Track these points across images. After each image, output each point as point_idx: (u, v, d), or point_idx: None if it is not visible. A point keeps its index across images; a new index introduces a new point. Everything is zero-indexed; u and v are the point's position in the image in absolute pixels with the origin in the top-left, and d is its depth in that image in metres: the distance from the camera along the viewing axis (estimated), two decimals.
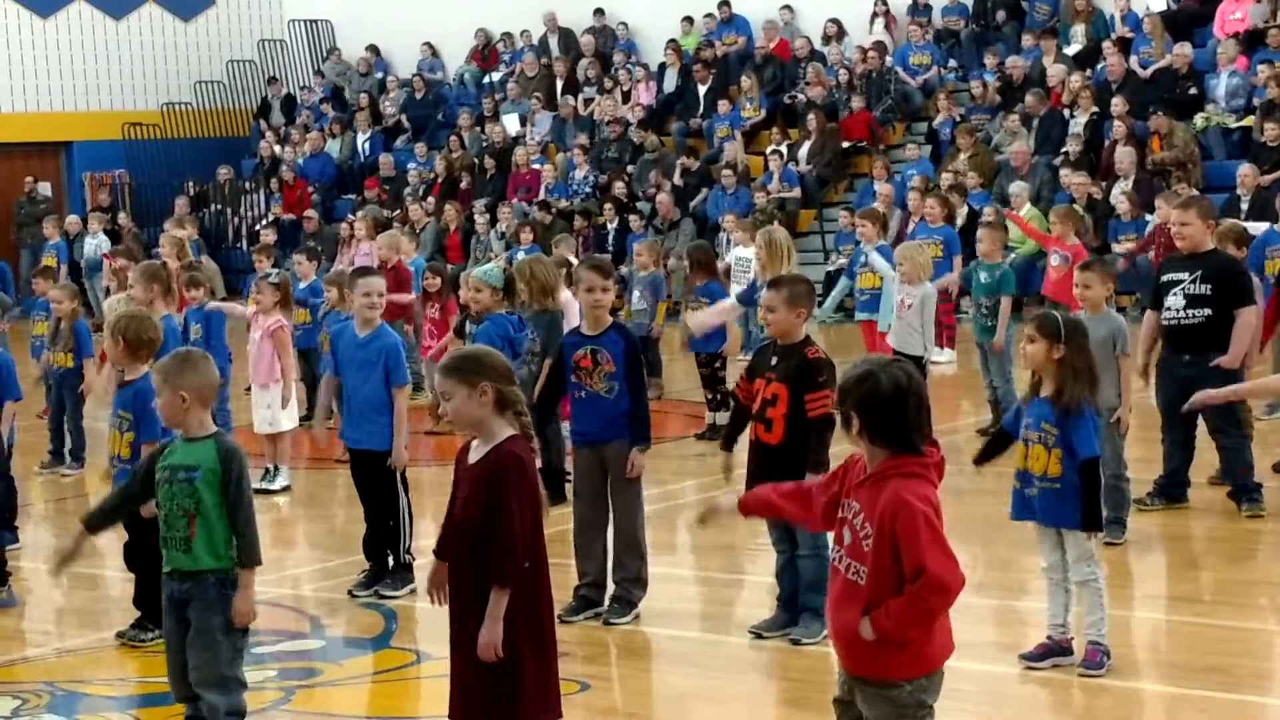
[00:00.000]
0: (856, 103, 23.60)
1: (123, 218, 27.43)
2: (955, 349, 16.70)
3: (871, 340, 13.57)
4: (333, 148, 28.15)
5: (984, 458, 7.50)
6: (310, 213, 25.49)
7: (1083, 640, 7.09)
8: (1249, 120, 20.76)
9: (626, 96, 26.32)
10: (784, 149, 23.50)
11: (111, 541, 8.36)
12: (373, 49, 29.97)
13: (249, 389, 12.28)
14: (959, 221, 18.53)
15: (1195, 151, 20.46)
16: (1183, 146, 20.26)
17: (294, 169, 27.44)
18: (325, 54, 30.84)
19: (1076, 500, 6.99)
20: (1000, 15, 24.54)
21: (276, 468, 11.85)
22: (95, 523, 6.35)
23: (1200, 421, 9.87)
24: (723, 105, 24.85)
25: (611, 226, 23.16)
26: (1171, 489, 9.92)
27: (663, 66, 26.57)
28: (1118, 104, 21.03)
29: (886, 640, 4.64)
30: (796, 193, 23.03)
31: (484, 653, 5.35)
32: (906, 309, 11.94)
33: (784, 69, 25.53)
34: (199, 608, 5.97)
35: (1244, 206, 18.56)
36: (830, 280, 20.73)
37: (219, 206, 28.17)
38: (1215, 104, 21.34)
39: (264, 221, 26.09)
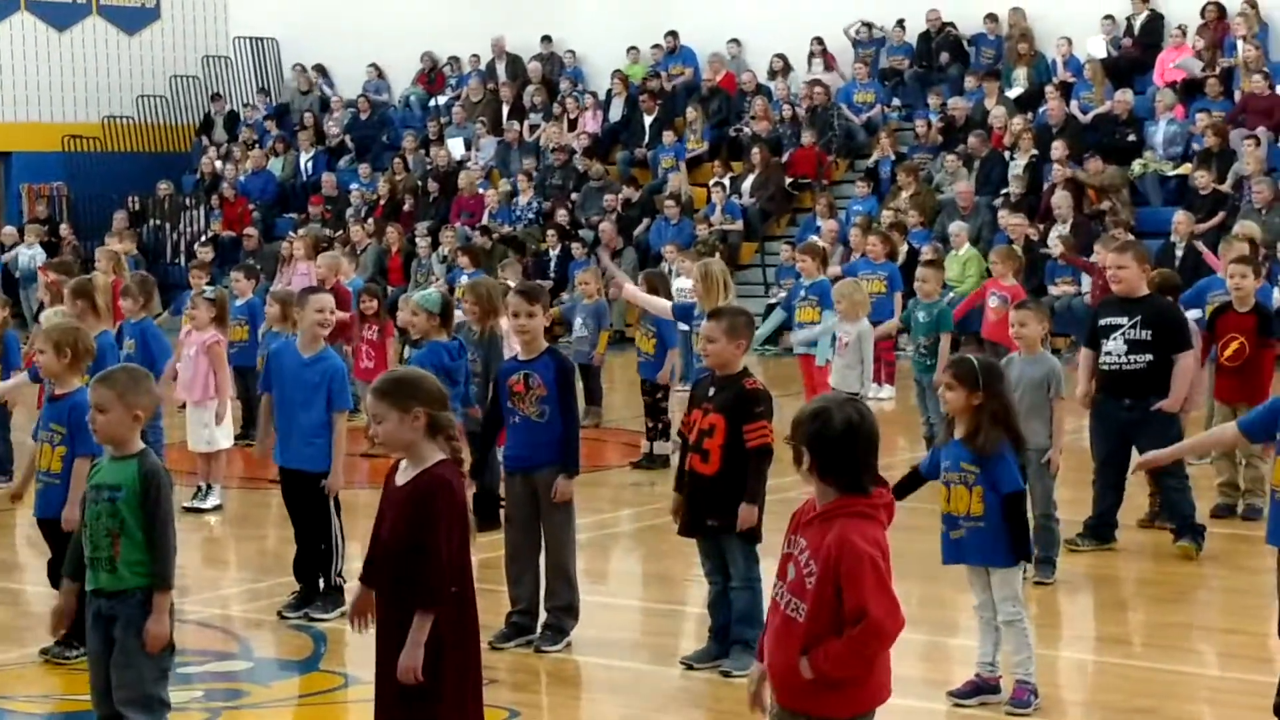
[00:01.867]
0: (805, 138, 23.71)
1: (63, 230, 27.21)
2: (895, 385, 16.77)
3: (810, 375, 13.61)
4: (275, 166, 28.04)
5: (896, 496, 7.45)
6: (250, 230, 25.37)
7: (1010, 679, 7.12)
8: (1185, 168, 21.01)
9: (572, 124, 26.35)
10: (727, 181, 23.59)
11: (34, 558, 8.26)
12: (318, 68, 29.87)
13: (182, 406, 12.19)
14: (900, 259, 18.65)
15: (1125, 192, 20.69)
16: (1110, 182, 20.50)
17: (235, 186, 27.31)
18: (271, 72, 30.74)
19: (1001, 537, 7.02)
20: (944, 56, 24.75)
21: (209, 486, 11.76)
22: (78, 570, 6.23)
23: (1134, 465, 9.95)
24: (668, 136, 24.92)
25: (554, 253, 23.16)
26: (1101, 529, 9.99)
27: (609, 95, 26.63)
28: (1057, 148, 21.24)
29: (824, 680, 4.64)
30: (739, 225, 23.10)
31: (404, 676, 5.32)
32: (844, 346, 11.99)
33: (729, 102, 25.64)
34: (124, 625, 5.91)
35: (1178, 253, 18.78)
36: (772, 313, 20.80)
37: (158, 222, 27.98)
38: (1153, 151, 21.59)
39: (203, 238, 25.94)
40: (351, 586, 8.82)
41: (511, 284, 13.78)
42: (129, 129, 29.50)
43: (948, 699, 7.20)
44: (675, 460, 12.58)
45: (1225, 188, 20.25)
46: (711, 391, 7.61)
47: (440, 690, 5.37)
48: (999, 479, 7.00)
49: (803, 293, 14.10)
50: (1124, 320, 9.72)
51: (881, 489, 4.74)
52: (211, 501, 11.69)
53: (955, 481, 7.09)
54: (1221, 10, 22.73)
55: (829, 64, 25.40)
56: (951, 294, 17.59)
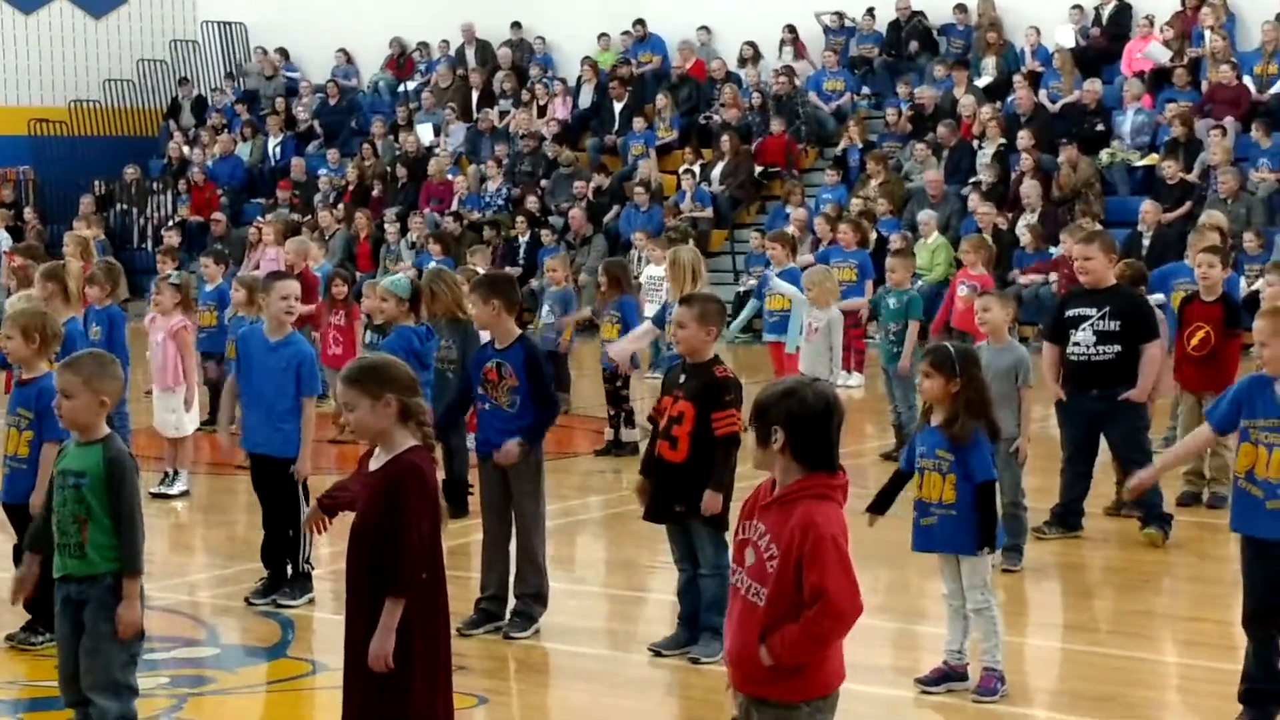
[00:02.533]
0: (774, 126, 23.72)
1: (28, 214, 27.05)
2: (863, 373, 16.81)
3: (779, 361, 13.65)
4: (243, 151, 27.93)
5: (881, 505, 7.32)
6: (218, 215, 25.28)
7: (978, 666, 7.15)
8: (1153, 158, 21.10)
9: (542, 111, 26.32)
10: (697, 169, 23.60)
11: (1, 543, 8.22)
12: (284, 53, 29.77)
13: (149, 392, 12.14)
14: (870, 247, 18.69)
15: (1097, 186, 20.77)
16: (1083, 178, 20.57)
17: (203, 171, 27.20)
18: (239, 57, 30.61)
19: (972, 525, 7.06)
20: (913, 45, 24.79)
21: (176, 472, 11.72)
22: (37, 541, 6.21)
23: (1102, 454, 10.01)
24: (638, 123, 24.90)
25: (523, 240, 23.14)
26: (1068, 518, 10.04)
27: (579, 82, 26.60)
28: (1024, 137, 21.30)
29: (782, 665, 4.65)
30: (709, 212, 23.11)
31: (374, 663, 5.32)
32: (814, 333, 12.01)
33: (699, 89, 25.64)
34: (94, 610, 5.90)
35: (1146, 242, 18.87)
36: (741, 300, 20.83)
37: (125, 206, 27.84)
38: (1120, 140, 21.67)
39: (170, 223, 25.83)
40: (320, 573, 8.84)
41: (480, 270, 13.78)
42: (96, 113, 29.33)
43: (915, 686, 7.22)
44: (645, 446, 12.70)
45: (1192, 177, 20.34)
46: (682, 379, 7.61)
47: (410, 676, 5.37)
48: (973, 467, 7.03)
49: (772, 280, 14.10)
50: (1093, 311, 9.76)
51: (840, 469, 4.75)
52: (179, 487, 11.65)
53: (930, 469, 7.11)
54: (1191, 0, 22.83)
55: (799, 52, 25.41)
56: (920, 282, 17.66)
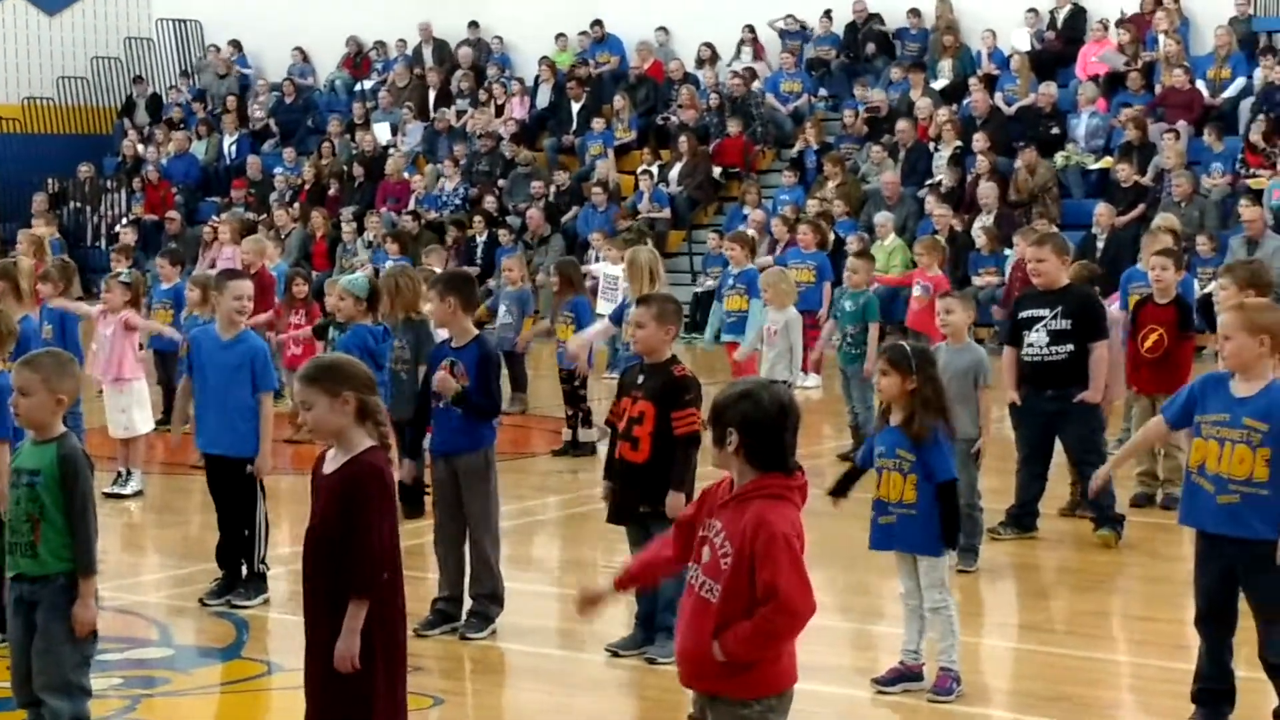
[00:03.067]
0: (732, 127, 23.75)
1: None
2: (820, 374, 16.84)
3: (735, 362, 13.65)
4: (198, 149, 27.79)
5: (840, 490, 7.50)
6: (172, 214, 25.15)
7: (934, 666, 7.17)
8: (1107, 161, 21.22)
9: (500, 110, 26.28)
10: (654, 169, 23.60)
11: None
12: (237, 48, 29.61)
13: (100, 392, 12.07)
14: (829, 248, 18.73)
15: (1054, 189, 20.89)
16: (1041, 183, 20.68)
17: (158, 169, 27.05)
18: (194, 54, 30.45)
19: (932, 525, 7.08)
20: (870, 48, 24.86)
21: (129, 471, 11.65)
22: None
23: (1058, 456, 10.06)
24: (597, 123, 24.89)
25: (481, 240, 23.11)
26: (1024, 519, 10.08)
27: (537, 81, 26.57)
28: (980, 140, 21.39)
29: (735, 661, 4.66)
30: (666, 213, 23.12)
31: (340, 665, 5.31)
32: (773, 335, 12.02)
33: (657, 90, 25.64)
34: (46, 609, 5.86)
35: (1100, 245, 18.97)
36: (699, 301, 20.85)
37: (79, 204, 27.67)
38: (1075, 143, 21.79)
39: (124, 221, 25.68)
40: (275, 573, 8.80)
41: (436, 270, 13.76)
42: (49, 110, 29.13)
43: (871, 686, 7.24)
44: (604, 449, 12.69)
45: (1146, 180, 20.47)
46: (640, 379, 7.61)
47: (372, 678, 5.36)
48: (934, 467, 7.05)
49: (730, 281, 14.13)
50: (1045, 312, 9.80)
51: (798, 471, 4.77)
52: (132, 487, 11.58)
53: (890, 468, 7.13)
54: (1146, 4, 22.97)
55: (758, 53, 25.46)
56: (876, 285, 17.71)
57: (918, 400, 7.09)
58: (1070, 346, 9.72)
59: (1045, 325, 9.77)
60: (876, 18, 24.88)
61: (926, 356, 7.26)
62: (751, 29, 25.44)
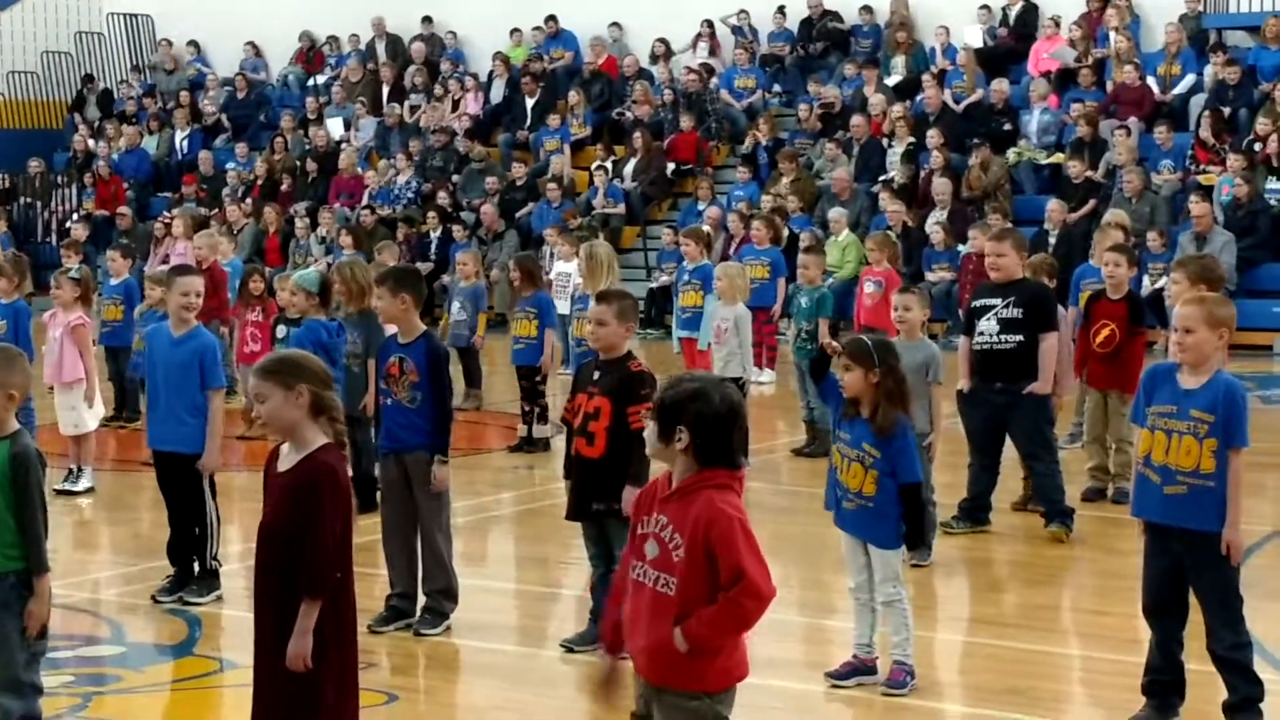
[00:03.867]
0: (685, 123, 23.76)
1: None
2: (775, 370, 16.88)
3: (691, 358, 13.66)
4: (149, 144, 27.62)
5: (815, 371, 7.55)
6: (124, 209, 24.99)
7: (888, 660, 7.20)
8: (1059, 157, 21.34)
9: (455, 105, 26.21)
10: (609, 165, 23.59)
11: None
12: (188, 42, 29.45)
13: (52, 388, 11.98)
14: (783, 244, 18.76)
15: (1006, 186, 20.99)
16: (995, 180, 20.78)
17: (109, 164, 26.87)
18: (146, 49, 30.25)
19: (887, 520, 7.10)
20: (823, 44, 24.89)
21: (80, 469, 11.57)
22: None
23: (1010, 449, 10.11)
24: (552, 119, 24.86)
25: (435, 235, 23.04)
26: (976, 512, 10.12)
27: (491, 77, 26.52)
28: (933, 136, 21.47)
29: (700, 649, 4.66)
30: (621, 209, 23.12)
31: (294, 664, 5.28)
32: (723, 332, 12.02)
33: (611, 86, 25.63)
34: None
35: (1052, 241, 19.07)
36: (654, 297, 20.86)
37: (29, 200, 27.47)
38: (1027, 139, 21.89)
39: (75, 216, 25.50)
40: (227, 570, 8.76)
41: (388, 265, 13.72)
42: None
43: (825, 680, 7.26)
44: (561, 446, 12.68)
45: (1098, 176, 20.59)
46: (596, 375, 7.61)
47: (321, 676, 5.33)
48: (899, 466, 7.05)
49: (686, 276, 14.14)
50: (997, 301, 9.86)
51: (743, 465, 4.82)
52: (83, 484, 11.51)
53: (853, 459, 7.13)
54: (1093, 2, 23.11)
55: (714, 48, 25.47)
56: (831, 279, 17.76)
57: (881, 393, 7.09)
58: (1020, 336, 9.76)
59: (996, 314, 9.82)
60: (833, 15, 24.91)
61: (888, 348, 7.26)
62: (710, 24, 25.46)
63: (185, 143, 27.51)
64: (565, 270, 16.23)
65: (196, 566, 8.70)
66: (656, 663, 4.75)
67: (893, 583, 7.15)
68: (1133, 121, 20.96)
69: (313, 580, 5.30)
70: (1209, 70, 21.65)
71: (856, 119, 22.60)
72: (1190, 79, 21.87)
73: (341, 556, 5.39)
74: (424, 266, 21.25)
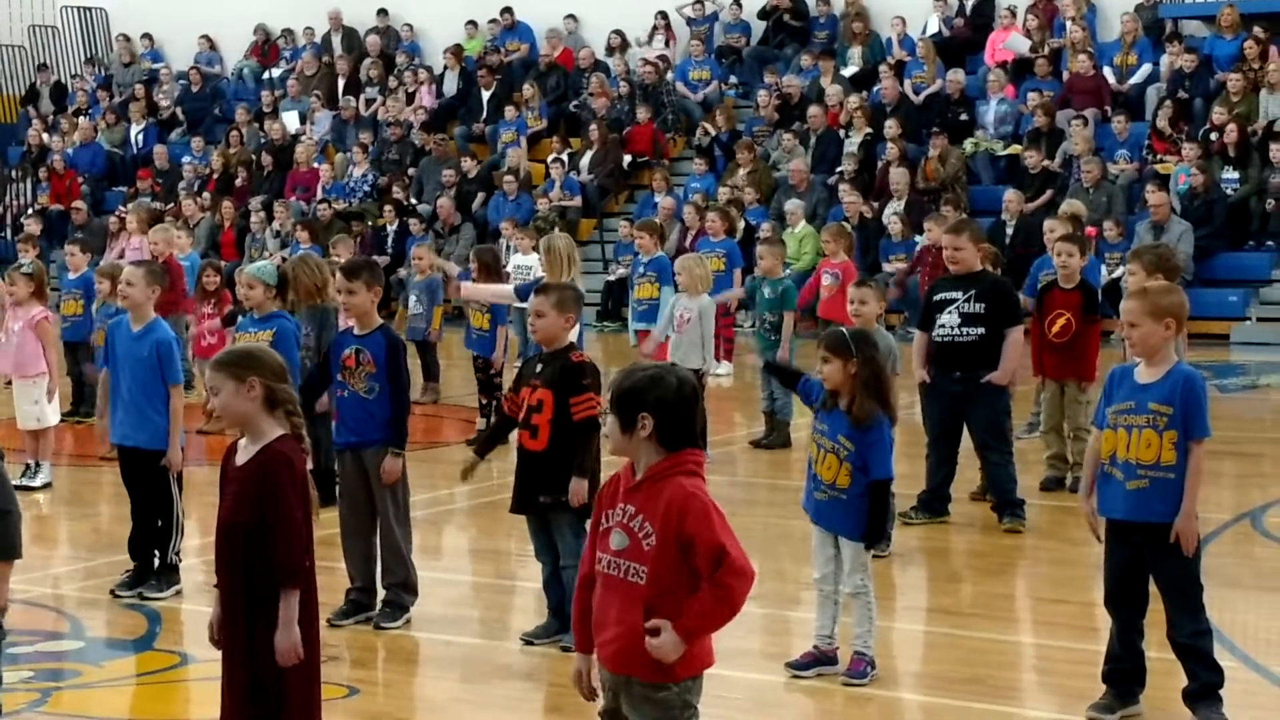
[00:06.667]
0: (641, 114, 23.76)
1: None
2: (732, 362, 16.90)
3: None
4: (104, 138, 27.45)
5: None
6: (79, 204, 24.85)
7: (849, 650, 7.22)
8: (1016, 147, 21.42)
9: (410, 98, 26.14)
10: (565, 157, 23.57)
11: None
12: (143, 36, 29.28)
13: (9, 383, 11.91)
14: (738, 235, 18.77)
15: (963, 177, 21.07)
16: (952, 171, 20.86)
17: (63, 158, 26.69)
18: (100, 42, 30.04)
19: (860, 513, 7.11)
20: (780, 35, 24.94)
21: (38, 464, 11.51)
22: None
23: (964, 438, 10.15)
24: (509, 111, 24.82)
25: (391, 229, 22.98)
26: (934, 503, 10.17)
27: (445, 69, 26.45)
28: (891, 126, 21.52)
29: (694, 638, 4.67)
30: (577, 201, 23.10)
31: (286, 659, 5.28)
32: (685, 322, 12.02)
33: (567, 78, 25.61)
34: None
35: (1009, 231, 19.16)
36: (610, 289, 20.85)
37: None
38: (984, 130, 21.98)
39: (30, 211, 25.32)
40: (187, 565, 8.72)
41: (343, 259, 13.66)
42: None
43: (786, 670, 7.28)
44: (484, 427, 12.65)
45: (1055, 166, 20.69)
46: (539, 368, 7.61)
47: (288, 670, 5.32)
48: (871, 461, 7.06)
49: (641, 269, 14.13)
50: (958, 295, 9.90)
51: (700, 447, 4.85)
52: (41, 479, 11.45)
53: (829, 450, 7.13)
54: None
55: (669, 40, 25.47)
56: (790, 270, 17.79)
57: (858, 383, 7.10)
58: (981, 330, 9.81)
59: (958, 308, 9.86)
60: (790, 10, 24.92)
61: (866, 339, 7.26)
62: (664, 15, 25.46)
63: (140, 137, 27.36)
64: (523, 263, 16.18)
65: (156, 561, 8.67)
66: (626, 653, 4.74)
67: (861, 574, 7.17)
68: (1090, 111, 21.06)
69: (286, 569, 5.29)
70: (1165, 60, 21.78)
71: (814, 110, 22.65)
72: (1146, 69, 22.00)
73: (308, 544, 5.38)
74: (380, 260, 21.18)
